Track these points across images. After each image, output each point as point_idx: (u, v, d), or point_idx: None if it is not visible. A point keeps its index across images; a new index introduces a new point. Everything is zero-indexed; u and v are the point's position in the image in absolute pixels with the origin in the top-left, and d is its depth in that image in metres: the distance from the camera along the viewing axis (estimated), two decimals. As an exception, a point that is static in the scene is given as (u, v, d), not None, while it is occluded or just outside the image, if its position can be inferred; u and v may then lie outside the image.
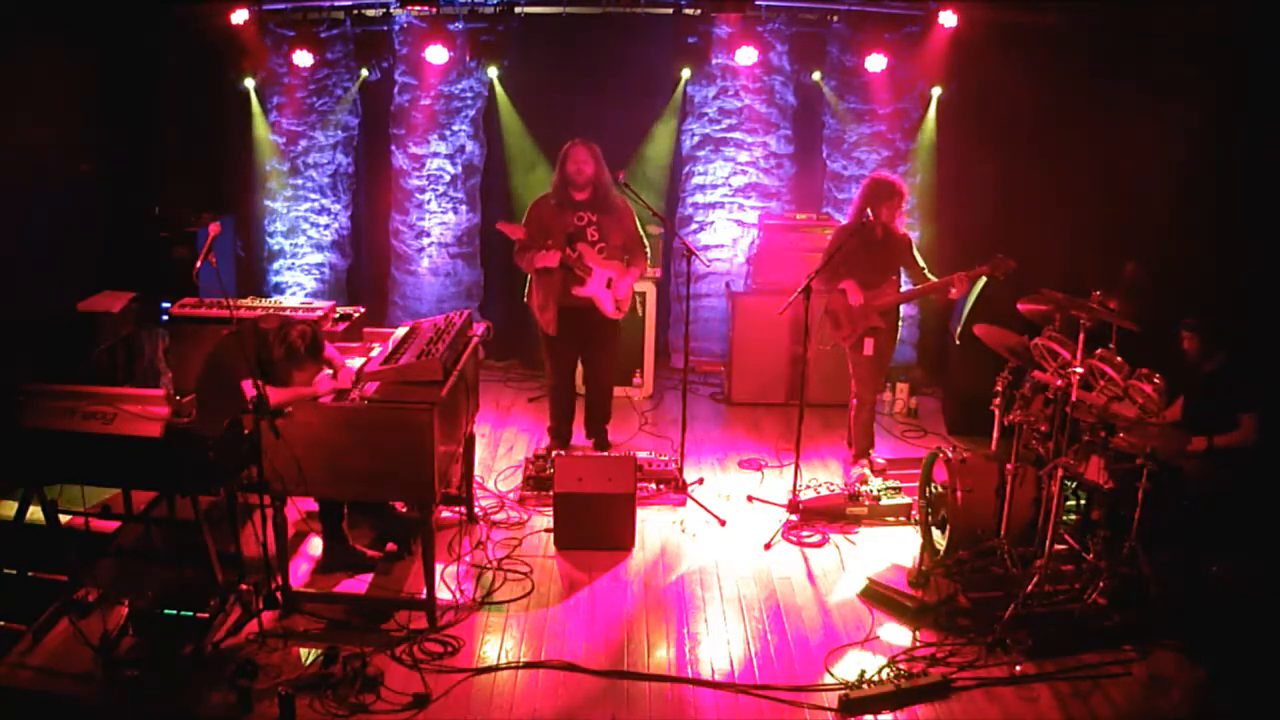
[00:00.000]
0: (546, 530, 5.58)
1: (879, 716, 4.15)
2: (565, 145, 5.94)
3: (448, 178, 8.22)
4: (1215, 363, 4.94)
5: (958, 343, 7.01)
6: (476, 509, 5.75)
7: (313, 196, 8.29)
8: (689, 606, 4.97)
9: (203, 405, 4.79)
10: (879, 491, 5.91)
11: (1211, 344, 4.97)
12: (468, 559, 5.27)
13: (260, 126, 8.04)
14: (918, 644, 4.61)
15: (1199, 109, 6.31)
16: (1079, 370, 4.67)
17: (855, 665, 4.47)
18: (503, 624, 4.75)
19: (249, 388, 4.30)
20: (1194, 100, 6.33)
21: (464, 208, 8.30)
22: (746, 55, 7.63)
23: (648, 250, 6.23)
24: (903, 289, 6.25)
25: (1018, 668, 4.42)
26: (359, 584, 5.03)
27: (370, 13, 7.72)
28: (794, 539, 5.62)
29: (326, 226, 8.37)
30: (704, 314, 8.40)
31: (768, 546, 5.55)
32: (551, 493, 5.52)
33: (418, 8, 7.55)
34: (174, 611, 4.38)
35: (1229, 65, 6.24)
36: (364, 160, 8.34)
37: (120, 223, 7.09)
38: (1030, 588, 4.68)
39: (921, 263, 6.20)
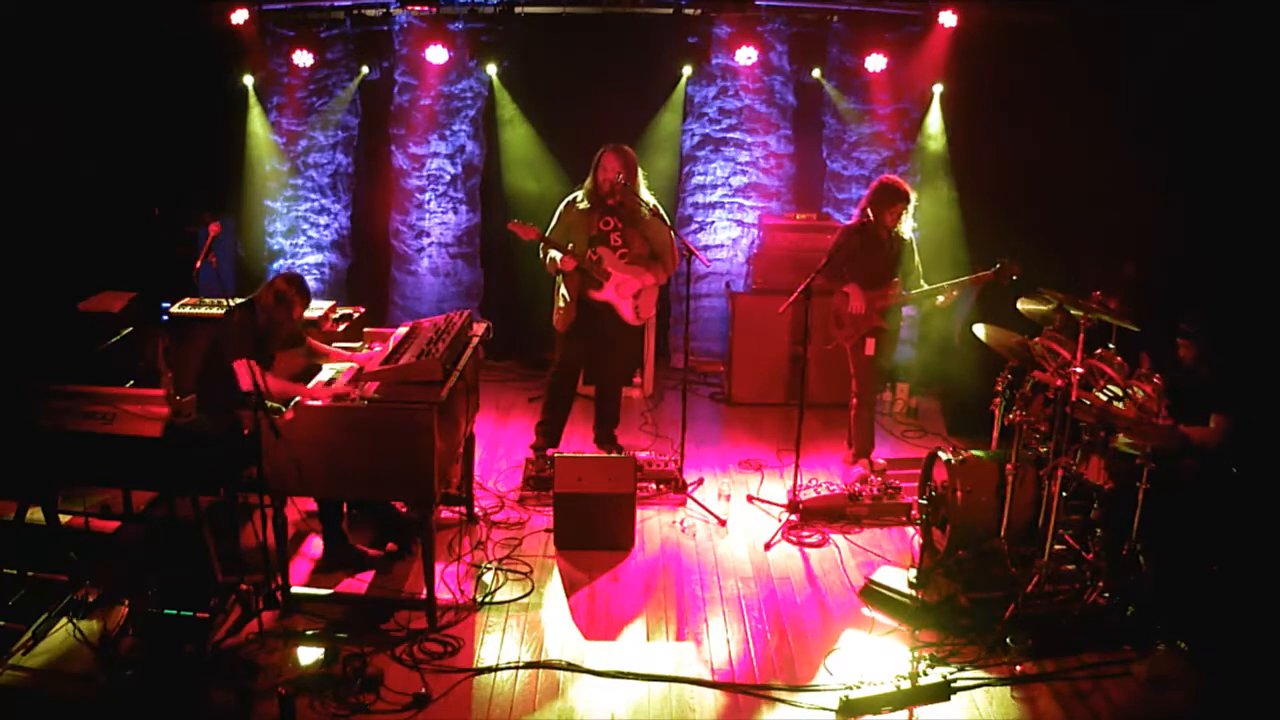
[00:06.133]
0: (546, 530, 5.58)
1: (879, 717, 4.15)
2: (599, 150, 5.89)
3: (448, 178, 8.22)
4: (1210, 371, 4.93)
5: (958, 343, 7.01)
6: (476, 509, 5.75)
7: (313, 196, 8.29)
8: (689, 606, 4.97)
9: (202, 400, 4.80)
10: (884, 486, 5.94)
11: (1206, 352, 4.95)
12: (468, 559, 5.27)
13: (260, 126, 8.04)
14: (918, 644, 4.61)
15: (1200, 108, 6.32)
16: (1079, 370, 4.67)
17: (855, 665, 4.47)
18: (503, 624, 4.75)
19: (243, 372, 4.32)
20: (1195, 99, 6.34)
21: (464, 208, 8.31)
22: (746, 55, 7.63)
23: (677, 261, 6.18)
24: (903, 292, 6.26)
25: (1018, 668, 4.42)
26: (359, 584, 5.03)
27: (370, 13, 7.72)
28: (794, 539, 5.62)
29: (326, 226, 8.37)
30: (704, 314, 8.40)
31: (768, 546, 5.55)
32: (551, 493, 5.52)
33: (418, 8, 7.55)
34: (174, 611, 4.37)
35: (1227, 63, 6.25)
36: (364, 160, 8.34)
37: (120, 223, 7.09)
38: (1030, 588, 4.69)
39: (918, 267, 6.21)
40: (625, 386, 6.91)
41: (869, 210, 6.06)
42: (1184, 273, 6.32)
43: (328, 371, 5.10)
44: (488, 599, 4.93)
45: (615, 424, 6.50)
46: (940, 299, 6.02)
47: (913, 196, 6.11)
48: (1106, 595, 4.71)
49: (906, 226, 6.15)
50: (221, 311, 5.28)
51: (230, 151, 8.02)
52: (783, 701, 4.26)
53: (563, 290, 6.07)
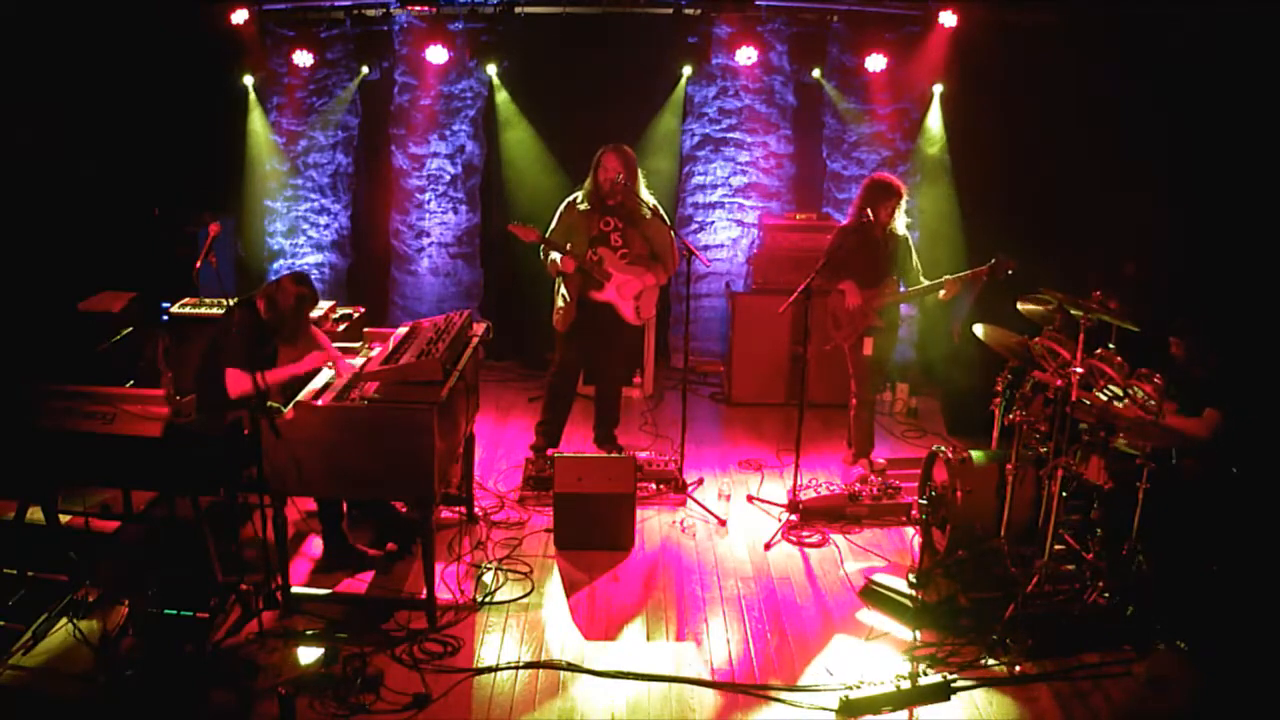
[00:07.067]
0: (546, 530, 5.58)
1: (879, 717, 4.15)
2: (599, 150, 5.89)
3: (448, 178, 8.22)
4: (1204, 370, 4.93)
5: (957, 342, 7.01)
6: (476, 509, 5.75)
7: (313, 196, 8.29)
8: (689, 606, 4.97)
9: (201, 400, 4.80)
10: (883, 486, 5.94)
11: (1201, 351, 4.95)
12: (468, 559, 5.27)
13: (260, 126, 8.04)
14: (918, 644, 4.61)
15: (1200, 108, 6.32)
16: (1079, 370, 4.67)
17: (855, 665, 4.47)
18: (503, 624, 4.75)
19: (234, 379, 4.33)
20: (1195, 99, 6.34)
21: (464, 208, 8.31)
22: (746, 55, 7.62)
23: (678, 261, 6.19)
24: (900, 289, 6.26)
25: (1018, 668, 4.42)
26: (359, 584, 5.03)
27: (370, 13, 7.72)
28: (794, 539, 5.62)
29: (326, 226, 8.37)
30: (704, 314, 8.40)
31: (768, 546, 5.55)
32: (551, 493, 5.52)
33: (418, 8, 7.55)
34: (174, 611, 4.38)
35: (1227, 63, 6.25)
36: (364, 160, 8.34)
37: (120, 223, 7.10)
38: (1030, 588, 4.69)
39: (917, 264, 6.21)
40: (625, 386, 6.91)
41: (866, 209, 6.05)
42: (1184, 273, 6.32)
43: (323, 377, 5.08)
44: (488, 599, 4.93)
45: (615, 424, 6.50)
46: (942, 293, 5.99)
47: (905, 192, 6.11)
48: (1106, 595, 4.71)
49: (900, 223, 6.15)
50: (221, 312, 5.28)
51: (230, 151, 8.02)
52: (783, 701, 4.26)
53: (562, 290, 6.07)
